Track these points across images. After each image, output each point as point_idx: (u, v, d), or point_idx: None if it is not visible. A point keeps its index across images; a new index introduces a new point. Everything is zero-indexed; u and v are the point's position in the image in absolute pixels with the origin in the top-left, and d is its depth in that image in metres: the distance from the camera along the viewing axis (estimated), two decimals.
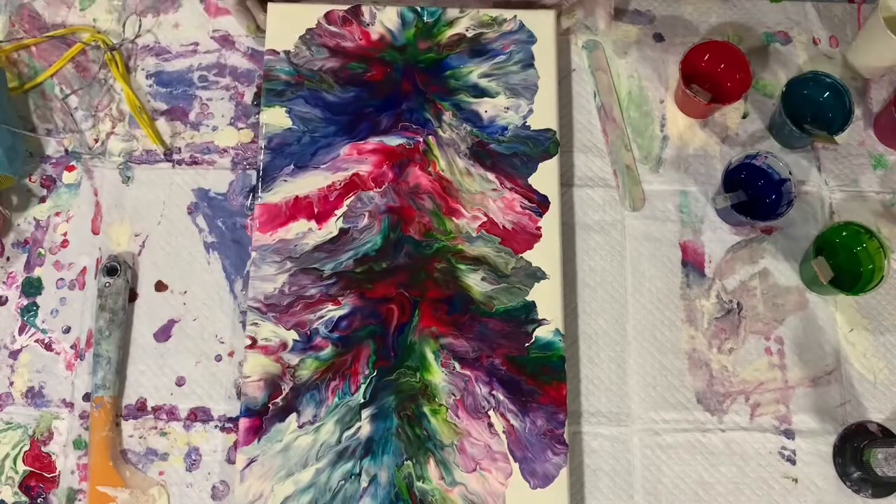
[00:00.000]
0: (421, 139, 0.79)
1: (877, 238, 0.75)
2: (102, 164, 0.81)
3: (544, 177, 0.78)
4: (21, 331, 0.76)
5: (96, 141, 0.81)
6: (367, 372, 0.73)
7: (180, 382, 0.75)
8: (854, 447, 0.73)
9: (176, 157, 0.81)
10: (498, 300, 0.75)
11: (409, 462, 0.71)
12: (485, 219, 0.77)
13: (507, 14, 0.83)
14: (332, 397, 0.72)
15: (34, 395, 0.75)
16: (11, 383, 0.75)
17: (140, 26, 0.84)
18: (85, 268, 0.78)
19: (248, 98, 0.83)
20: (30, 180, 0.80)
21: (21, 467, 0.73)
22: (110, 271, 0.75)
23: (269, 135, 0.79)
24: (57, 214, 0.79)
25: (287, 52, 0.81)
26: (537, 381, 0.73)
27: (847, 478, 0.74)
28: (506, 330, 0.75)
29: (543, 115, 0.80)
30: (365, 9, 0.83)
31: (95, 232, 0.79)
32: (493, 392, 0.73)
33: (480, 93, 0.80)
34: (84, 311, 0.77)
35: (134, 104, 0.81)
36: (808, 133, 0.79)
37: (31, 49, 0.84)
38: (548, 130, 0.80)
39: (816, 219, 0.81)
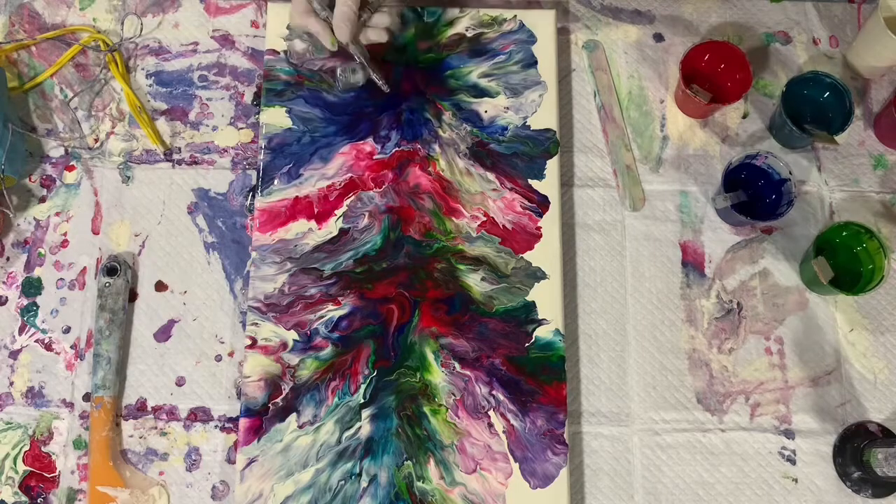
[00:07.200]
0: None
1: (877, 238, 0.75)
2: (102, 163, 0.81)
3: (544, 177, 0.79)
4: (21, 331, 0.76)
5: (96, 141, 0.81)
6: (367, 372, 0.73)
7: (180, 382, 0.75)
8: (854, 447, 0.73)
9: (176, 156, 0.81)
10: (498, 300, 0.75)
11: (409, 462, 0.71)
12: (485, 219, 0.77)
13: (507, 14, 0.83)
14: (332, 397, 0.72)
15: (34, 395, 0.75)
16: (11, 383, 0.75)
17: (141, 26, 0.84)
18: (85, 268, 0.78)
19: (248, 98, 0.83)
20: (30, 180, 0.80)
21: (21, 467, 0.73)
22: (110, 271, 0.75)
23: (269, 135, 0.79)
24: (57, 214, 0.79)
25: (287, 52, 0.81)
26: (537, 381, 0.73)
27: (847, 478, 0.74)
28: (506, 330, 0.75)
29: (543, 115, 0.80)
30: None
31: (95, 232, 0.79)
32: (493, 392, 0.73)
33: (480, 93, 0.80)
34: (84, 311, 0.77)
35: (134, 104, 0.81)
36: (808, 133, 0.79)
37: (31, 49, 0.84)
38: (548, 130, 0.80)
39: (816, 219, 0.81)
